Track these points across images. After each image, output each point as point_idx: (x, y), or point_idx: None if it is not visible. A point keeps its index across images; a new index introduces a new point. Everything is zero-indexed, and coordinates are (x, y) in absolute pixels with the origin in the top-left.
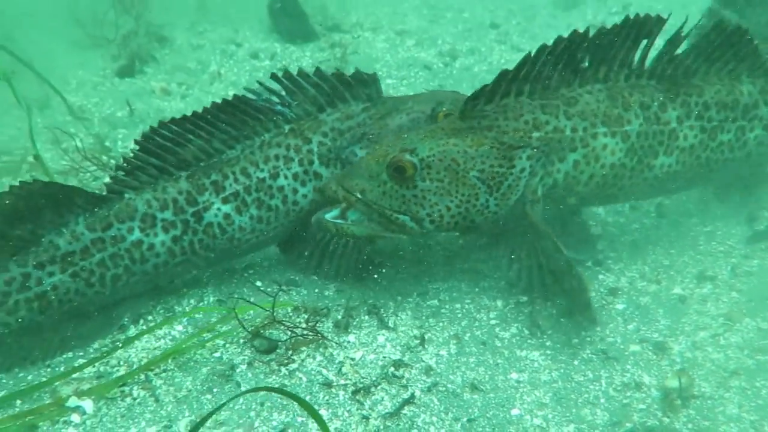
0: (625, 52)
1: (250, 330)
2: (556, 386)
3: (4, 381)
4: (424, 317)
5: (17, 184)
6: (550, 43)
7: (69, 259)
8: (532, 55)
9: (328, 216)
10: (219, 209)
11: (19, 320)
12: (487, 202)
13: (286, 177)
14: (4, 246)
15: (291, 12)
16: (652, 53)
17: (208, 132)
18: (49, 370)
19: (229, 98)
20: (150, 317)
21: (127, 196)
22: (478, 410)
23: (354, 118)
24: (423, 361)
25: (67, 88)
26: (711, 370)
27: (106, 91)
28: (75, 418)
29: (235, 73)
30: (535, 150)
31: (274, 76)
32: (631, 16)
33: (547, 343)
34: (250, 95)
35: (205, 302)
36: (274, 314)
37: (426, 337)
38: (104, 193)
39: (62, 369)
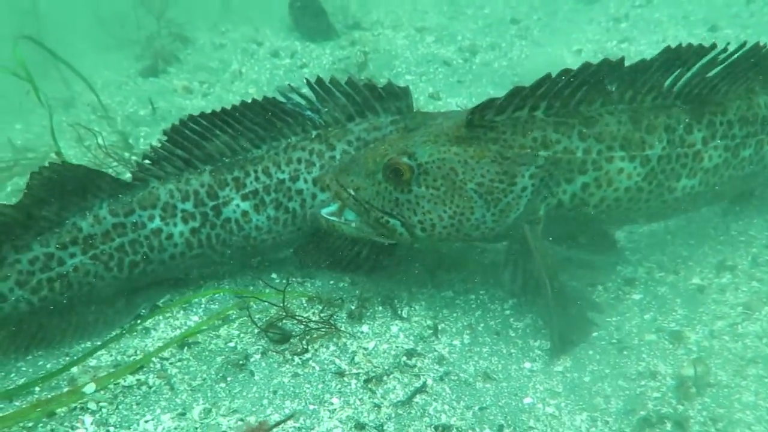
0: (656, 78)
1: (264, 321)
2: (569, 375)
3: (24, 369)
4: (437, 308)
5: (47, 165)
6: (575, 66)
7: (90, 241)
8: (553, 76)
9: (325, 211)
10: (238, 205)
11: (41, 300)
12: (483, 217)
13: (306, 181)
14: (30, 225)
15: (311, 10)
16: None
17: (235, 129)
18: (67, 358)
19: (260, 99)
20: (167, 310)
21: (151, 184)
22: (491, 399)
23: (381, 129)
24: (436, 350)
25: (93, 88)
26: (728, 359)
27: (129, 90)
28: (91, 404)
29: (256, 72)
30: (539, 169)
31: (307, 82)
32: (672, 45)
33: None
34: (280, 98)
35: (221, 294)
36: (288, 306)
37: (439, 327)
38: (129, 180)
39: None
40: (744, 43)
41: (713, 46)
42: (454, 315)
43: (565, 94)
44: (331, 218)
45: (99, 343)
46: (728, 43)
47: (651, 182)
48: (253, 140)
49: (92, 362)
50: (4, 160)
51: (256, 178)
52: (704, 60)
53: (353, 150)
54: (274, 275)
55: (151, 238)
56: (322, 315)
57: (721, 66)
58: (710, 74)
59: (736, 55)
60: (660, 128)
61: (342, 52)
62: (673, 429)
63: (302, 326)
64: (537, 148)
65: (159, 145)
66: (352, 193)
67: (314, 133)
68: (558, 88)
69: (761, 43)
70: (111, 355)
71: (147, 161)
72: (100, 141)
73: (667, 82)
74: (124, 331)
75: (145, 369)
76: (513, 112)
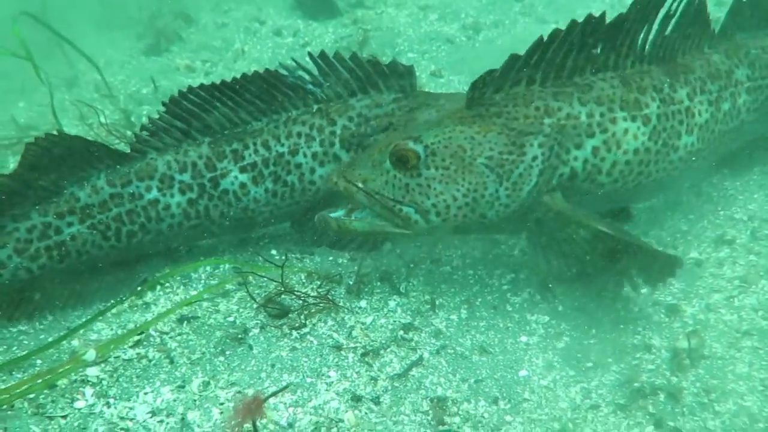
0: (631, 38)
1: (263, 297)
2: (565, 349)
3: (26, 342)
4: (436, 283)
5: (43, 136)
6: (563, 27)
7: (88, 211)
8: (545, 40)
9: (333, 214)
10: (236, 177)
11: (40, 267)
12: (497, 192)
13: (305, 155)
14: (28, 195)
15: None
16: None
17: (235, 102)
18: (67, 331)
19: (261, 72)
20: (167, 284)
21: (149, 156)
22: (486, 372)
23: (383, 107)
24: (433, 325)
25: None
26: (723, 331)
27: (132, 69)
28: (92, 377)
29: (258, 51)
30: (546, 137)
31: (310, 56)
32: None
33: (559, 308)
34: (282, 71)
35: (221, 269)
36: (287, 282)
37: (437, 302)
38: (127, 152)
39: (81, 331)
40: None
41: None
42: (452, 290)
43: (557, 62)
44: (341, 218)
45: (100, 306)
46: None
47: (656, 141)
48: (253, 113)
49: (93, 336)
50: (7, 138)
51: (255, 151)
52: (661, 15)
53: (354, 126)
54: (273, 251)
55: (148, 209)
56: (320, 290)
57: (674, 23)
58: (667, 35)
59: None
60: (649, 88)
61: (345, 30)
62: (667, 400)
63: (301, 301)
64: (541, 116)
65: (157, 116)
66: (361, 186)
67: (315, 107)
68: (550, 53)
69: None
70: (111, 329)
71: (145, 133)
72: (102, 119)
73: (639, 45)
74: (123, 300)
75: (145, 343)
76: (511, 88)
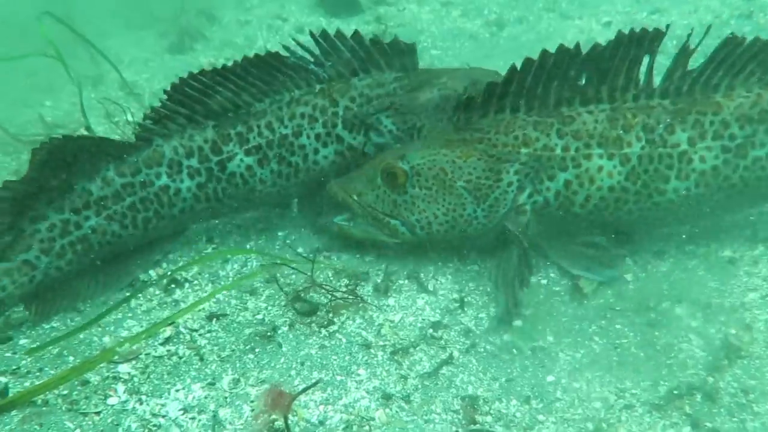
0: (626, 70)
1: (290, 293)
2: (597, 348)
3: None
4: (464, 281)
5: (47, 140)
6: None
7: (102, 203)
8: (519, 69)
9: (337, 219)
10: (242, 160)
11: (69, 263)
12: (475, 212)
13: (308, 136)
14: (41, 196)
15: None
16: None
17: (237, 85)
18: (100, 329)
19: (263, 54)
20: (195, 282)
21: (155, 143)
22: (517, 371)
23: (385, 86)
24: (462, 323)
25: (120, 66)
26: (760, 331)
27: (156, 67)
28: (124, 372)
29: (282, 48)
30: (522, 165)
31: (311, 35)
32: (625, 31)
33: (590, 305)
34: (284, 52)
35: (249, 267)
36: (315, 278)
37: (466, 300)
38: (133, 141)
39: (112, 328)
40: (709, 28)
41: (668, 27)
42: (480, 288)
43: (539, 92)
44: (342, 223)
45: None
46: (692, 29)
47: (635, 182)
48: (256, 94)
49: (124, 333)
50: (35, 136)
51: (259, 133)
52: (678, 51)
53: (356, 107)
54: (300, 249)
55: (160, 195)
56: (348, 287)
57: (708, 60)
58: (697, 67)
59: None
60: (637, 127)
61: (367, 27)
62: (703, 400)
63: (329, 297)
64: (519, 145)
65: (160, 104)
66: (356, 198)
67: (318, 87)
68: (529, 83)
69: (737, 36)
70: (141, 326)
71: (148, 121)
72: (128, 117)
73: (642, 74)
74: (142, 284)
75: (174, 340)
76: (496, 114)
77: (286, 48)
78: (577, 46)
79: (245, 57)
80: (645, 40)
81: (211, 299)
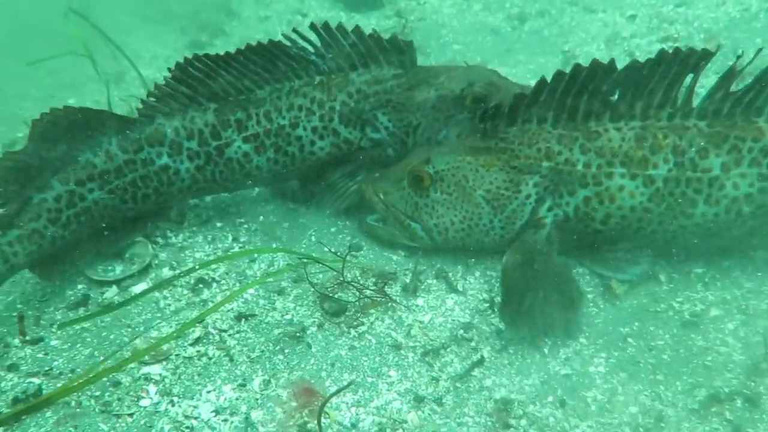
0: (665, 88)
1: (319, 291)
2: (631, 350)
3: (89, 339)
4: (492, 281)
5: (47, 111)
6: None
7: (105, 177)
8: (548, 81)
9: (369, 218)
10: (239, 147)
11: (72, 233)
12: (491, 222)
13: (305, 129)
14: (45, 166)
15: None
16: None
17: (239, 71)
18: (130, 330)
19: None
20: (223, 282)
21: (157, 121)
22: (550, 373)
23: (382, 83)
24: (493, 324)
25: (141, 62)
26: None
27: None
28: (155, 373)
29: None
30: (543, 178)
31: (313, 27)
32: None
33: (623, 306)
34: (286, 42)
35: (276, 266)
36: (343, 276)
37: (496, 300)
38: (135, 117)
39: (141, 329)
40: (759, 51)
41: (717, 50)
42: None
43: (568, 104)
44: (372, 223)
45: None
46: (741, 51)
47: (659, 204)
48: (257, 81)
49: (153, 333)
50: None
51: (258, 122)
52: (724, 72)
53: (353, 102)
54: (326, 249)
55: (160, 174)
56: (377, 286)
57: (753, 81)
58: (741, 89)
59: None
60: (667, 149)
61: (387, 22)
62: (744, 405)
63: (358, 296)
64: (541, 158)
65: (164, 82)
66: (381, 197)
67: (317, 78)
68: (558, 96)
69: None
70: (171, 326)
71: (152, 99)
72: None
73: (682, 92)
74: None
75: (204, 341)
76: (523, 124)
77: (287, 37)
78: (612, 62)
79: (248, 44)
80: (690, 59)
81: (239, 297)
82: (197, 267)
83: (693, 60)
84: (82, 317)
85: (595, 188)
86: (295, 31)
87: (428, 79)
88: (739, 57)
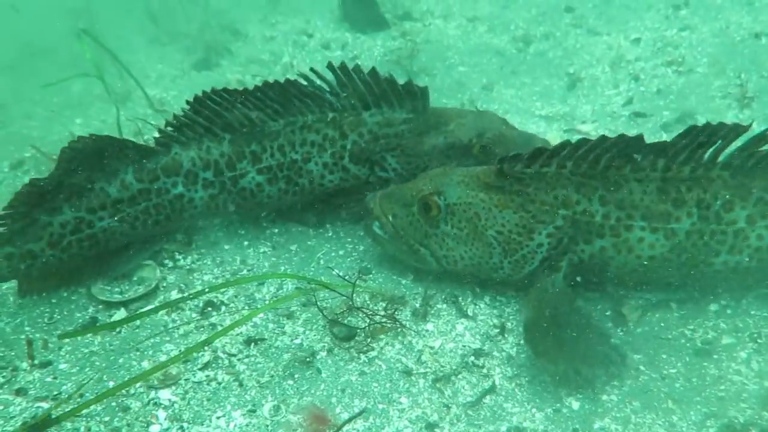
0: (690, 151)
1: (329, 317)
2: (643, 378)
3: (97, 363)
4: (503, 306)
5: (75, 138)
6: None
7: (118, 206)
8: (572, 143)
9: (375, 225)
10: (253, 178)
11: (71, 256)
12: (501, 263)
13: (316, 164)
14: (61, 191)
15: (362, 1)
16: None
17: (255, 105)
18: (138, 353)
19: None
20: (232, 305)
21: (174, 150)
22: (563, 401)
23: (393, 126)
24: (504, 350)
25: (147, 82)
26: None
27: (183, 84)
28: (164, 398)
29: (308, 64)
30: (557, 230)
31: (329, 66)
32: (699, 124)
33: (635, 333)
34: (302, 80)
35: (285, 290)
36: (353, 301)
37: (506, 326)
38: (152, 146)
39: (150, 352)
40: None
41: (749, 125)
42: (520, 315)
43: (591, 157)
44: (379, 233)
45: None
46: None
47: (680, 255)
48: (272, 115)
49: (162, 357)
50: None
51: (272, 155)
52: (747, 138)
53: (363, 143)
54: (335, 272)
55: (174, 202)
56: (386, 311)
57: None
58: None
59: None
60: (690, 202)
61: (393, 43)
62: None
63: (368, 321)
64: (558, 206)
65: (182, 113)
66: (390, 219)
67: (330, 115)
68: (581, 153)
69: None
70: (179, 349)
71: (169, 128)
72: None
73: (707, 155)
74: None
75: (213, 365)
76: (541, 167)
77: (304, 76)
78: (641, 137)
79: (265, 81)
80: (720, 131)
81: (248, 321)
82: (207, 290)
83: (722, 131)
84: (87, 329)
85: (612, 239)
86: (312, 70)
87: (438, 125)
88: (766, 131)
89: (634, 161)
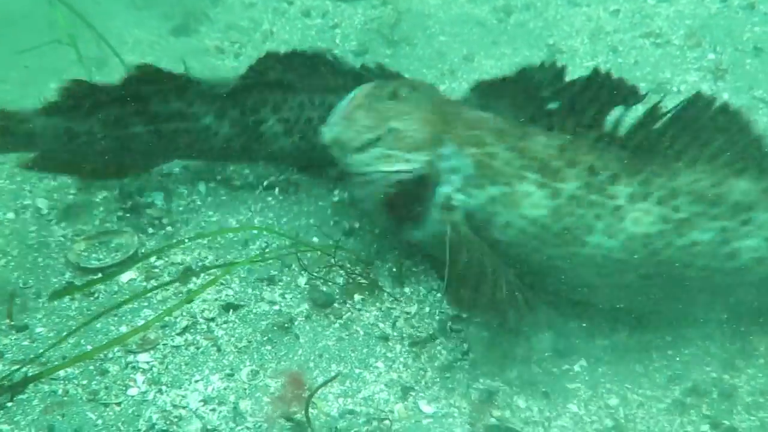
0: (595, 110)
1: (307, 280)
2: (611, 343)
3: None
4: None
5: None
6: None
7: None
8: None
9: None
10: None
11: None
12: None
13: None
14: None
15: None
16: None
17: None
18: (116, 318)
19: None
20: (212, 270)
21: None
22: (536, 366)
23: None
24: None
25: (124, 48)
26: None
27: (161, 49)
28: (142, 362)
29: (287, 32)
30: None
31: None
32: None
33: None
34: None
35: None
36: (332, 260)
37: None
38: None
39: (129, 317)
40: (697, 95)
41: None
42: None
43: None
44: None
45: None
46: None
47: (557, 222)
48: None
49: (140, 322)
50: None
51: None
52: (647, 108)
53: None
54: (315, 238)
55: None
56: (364, 272)
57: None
58: (660, 127)
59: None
60: (582, 164)
61: (374, 11)
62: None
63: (345, 279)
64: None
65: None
66: None
67: None
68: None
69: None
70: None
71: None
72: None
73: (610, 121)
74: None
75: (192, 330)
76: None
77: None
78: (563, 68)
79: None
80: (619, 92)
81: (229, 274)
82: (187, 239)
83: (621, 93)
84: (78, 286)
85: (503, 188)
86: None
87: None
88: (662, 97)
89: (551, 116)
